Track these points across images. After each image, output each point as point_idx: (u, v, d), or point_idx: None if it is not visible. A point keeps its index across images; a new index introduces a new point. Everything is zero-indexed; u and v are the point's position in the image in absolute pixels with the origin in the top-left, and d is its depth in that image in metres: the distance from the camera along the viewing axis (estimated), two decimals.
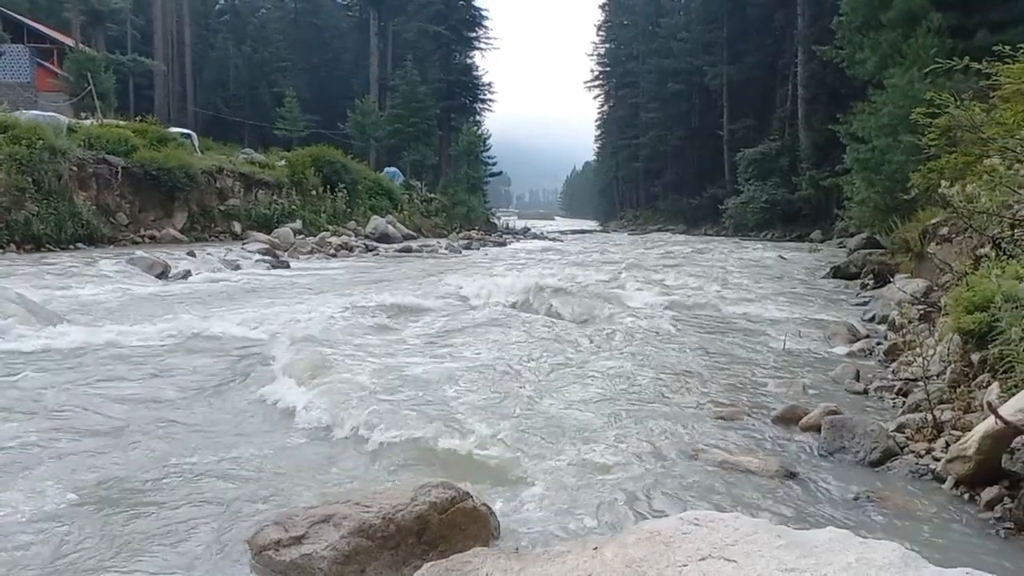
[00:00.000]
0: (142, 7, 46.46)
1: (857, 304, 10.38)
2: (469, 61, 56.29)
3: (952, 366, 4.79)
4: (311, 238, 21.47)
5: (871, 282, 12.16)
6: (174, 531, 3.00)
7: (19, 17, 36.40)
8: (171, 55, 46.65)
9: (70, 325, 7.13)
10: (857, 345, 6.99)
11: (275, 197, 24.51)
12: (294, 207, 24.68)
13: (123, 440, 4.07)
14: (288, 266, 15.32)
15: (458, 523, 2.84)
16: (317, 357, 5.87)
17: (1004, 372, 3.99)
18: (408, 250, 22.21)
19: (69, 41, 35.40)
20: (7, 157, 15.41)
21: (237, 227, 22.16)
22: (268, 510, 3.15)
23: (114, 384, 5.26)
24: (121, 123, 23.60)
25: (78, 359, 5.98)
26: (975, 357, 4.56)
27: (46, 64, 36.15)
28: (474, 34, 55.81)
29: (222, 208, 22.32)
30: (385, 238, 25.00)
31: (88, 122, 22.35)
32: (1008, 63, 6.15)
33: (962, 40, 16.82)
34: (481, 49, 56.96)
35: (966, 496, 3.42)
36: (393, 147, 45.63)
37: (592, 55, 75.37)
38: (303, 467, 3.77)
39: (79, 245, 16.31)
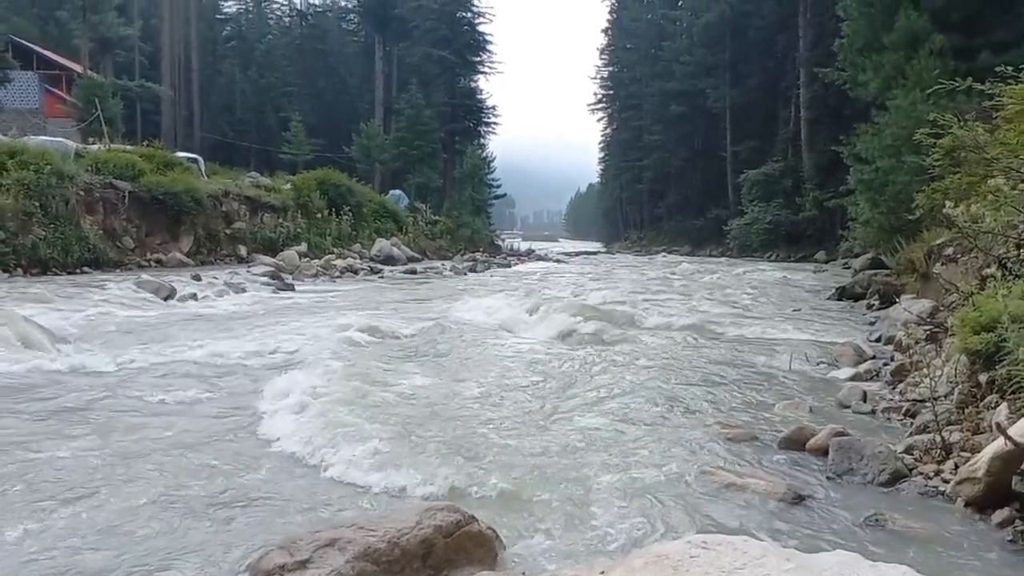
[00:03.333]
0: (150, 34, 47.06)
1: (863, 325, 10.35)
2: (473, 85, 56.64)
3: (960, 387, 4.76)
4: (316, 261, 21.53)
5: (877, 302, 12.12)
6: (174, 556, 2.99)
7: (29, 44, 36.86)
8: (178, 81, 47.12)
9: (77, 348, 7.15)
10: (864, 366, 6.95)
11: (281, 220, 24.62)
12: (299, 230, 24.77)
13: (121, 464, 4.06)
14: (293, 289, 15.34)
15: (463, 547, 2.82)
16: (321, 381, 5.87)
17: (1013, 393, 3.96)
18: (413, 272, 22.24)
19: (78, 67, 35.80)
20: (15, 182, 15.53)
21: (243, 250, 22.24)
22: (270, 535, 3.13)
23: (118, 406, 5.26)
24: (128, 148, 23.80)
25: (84, 382, 5.98)
26: (983, 378, 4.53)
27: (54, 90, 36.56)
28: (478, 58, 56.20)
29: (228, 231, 22.43)
30: (390, 260, 25.06)
31: (96, 147, 22.54)
32: (1011, 83, 6.17)
33: (964, 61, 16.89)
34: (485, 73, 57.39)
35: (976, 518, 3.39)
36: (398, 170, 45.86)
37: (595, 78, 75.96)
38: (306, 492, 3.76)
39: (85, 269, 16.38)
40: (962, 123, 6.22)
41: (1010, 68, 6.25)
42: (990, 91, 6.33)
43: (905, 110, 16.82)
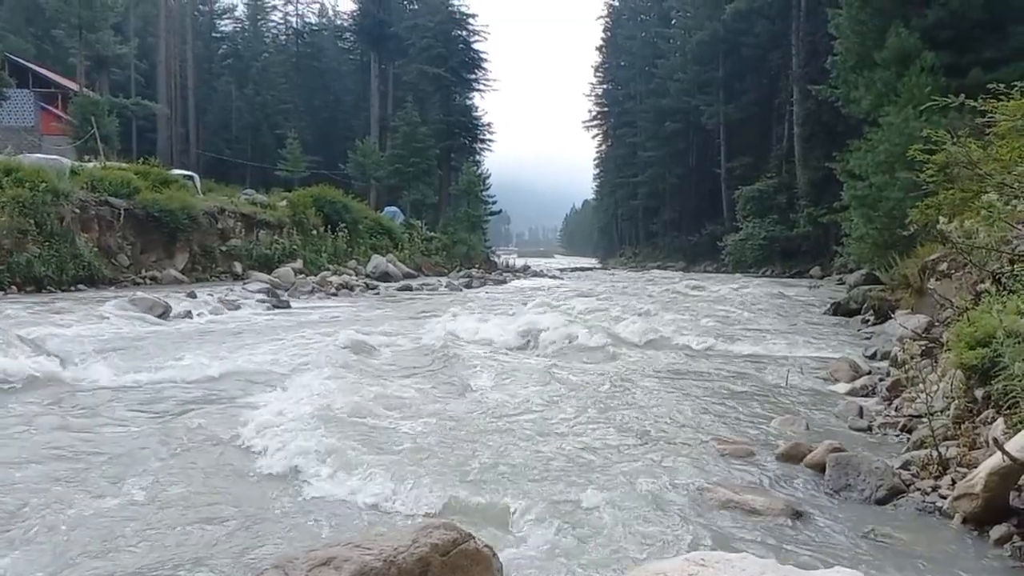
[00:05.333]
0: (146, 52, 47.25)
1: (858, 340, 10.35)
2: (469, 102, 56.91)
3: (956, 402, 4.76)
4: (312, 277, 21.50)
5: (872, 318, 12.14)
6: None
7: (25, 62, 36.99)
8: (174, 98, 47.29)
9: (69, 367, 7.10)
10: (860, 381, 6.95)
11: (276, 237, 24.63)
12: (295, 247, 24.78)
13: (110, 482, 4.03)
14: (289, 306, 15.30)
15: (461, 565, 2.79)
16: (315, 398, 5.85)
17: (1008, 408, 3.97)
18: (408, 289, 22.22)
19: (73, 86, 35.90)
20: (10, 200, 15.53)
21: (238, 267, 22.22)
22: (264, 555, 3.11)
23: (110, 424, 5.23)
24: (124, 165, 23.82)
25: (76, 401, 5.95)
26: (979, 393, 4.54)
27: (50, 108, 36.65)
28: (473, 76, 56.51)
29: (223, 248, 22.41)
30: (386, 277, 25.05)
31: (91, 165, 22.56)
32: (1003, 100, 6.22)
33: (956, 79, 17.02)
34: (480, 90, 57.69)
35: (975, 534, 3.38)
36: (393, 187, 45.99)
37: (590, 96, 76.37)
38: (301, 510, 3.73)
39: (80, 286, 16.34)
40: (955, 139, 6.26)
41: (1002, 85, 6.31)
42: (982, 108, 6.38)
43: (898, 127, 16.94)
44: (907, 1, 21.03)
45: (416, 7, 58.76)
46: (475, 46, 56.20)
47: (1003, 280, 5.77)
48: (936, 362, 6.06)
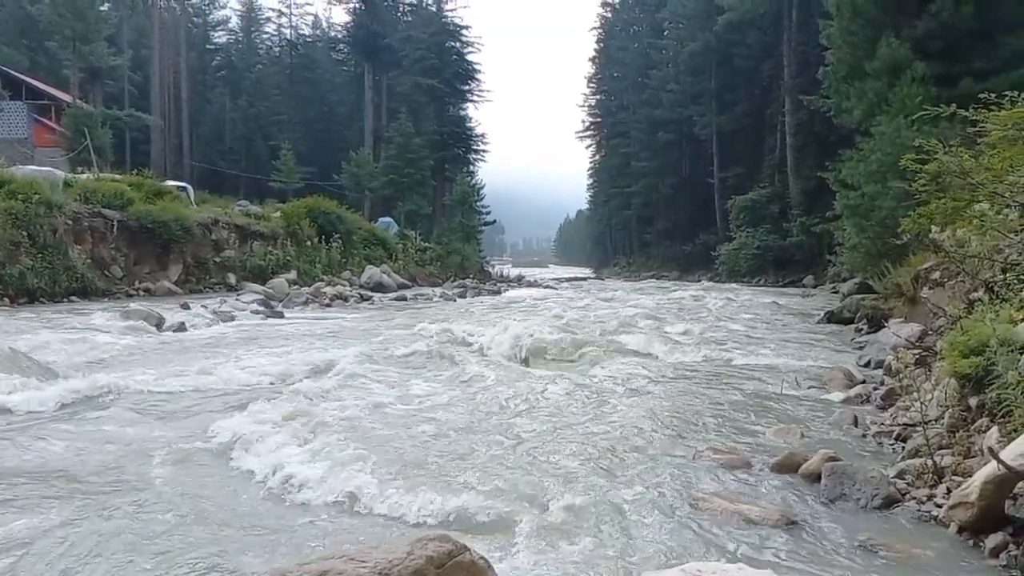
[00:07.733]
0: (140, 64, 47.30)
1: (853, 349, 10.37)
2: (463, 113, 57.18)
3: (950, 410, 4.76)
4: (306, 288, 21.46)
5: (865, 327, 12.16)
6: None
7: (18, 75, 36.97)
8: (168, 110, 47.33)
9: (62, 380, 7.07)
10: (854, 390, 6.96)
11: (270, 248, 24.60)
12: (289, 258, 24.76)
13: (100, 494, 4.00)
14: (283, 316, 15.27)
15: None
16: (307, 407, 5.83)
17: (1003, 416, 3.97)
18: (403, 299, 22.20)
19: (67, 97, 35.90)
20: (3, 211, 15.49)
21: (232, 278, 22.18)
22: (257, 568, 3.09)
23: (98, 436, 5.20)
24: (117, 177, 23.80)
25: (67, 411, 5.92)
26: (973, 401, 4.54)
27: (43, 120, 36.62)
28: (467, 87, 56.76)
29: (217, 260, 22.38)
30: (380, 287, 25.02)
31: (84, 176, 22.54)
32: (994, 110, 6.25)
33: (946, 88, 17.12)
34: (474, 101, 58.02)
35: (970, 543, 3.38)
36: (388, 197, 46.03)
37: (583, 106, 76.61)
38: (294, 522, 3.71)
39: (73, 299, 16.29)
40: (947, 149, 6.30)
41: (992, 95, 6.34)
42: (973, 117, 6.41)
43: (889, 136, 17.02)
44: (898, 11, 21.20)
45: (410, 19, 59.05)
46: (469, 57, 56.55)
47: (996, 289, 5.79)
48: (930, 371, 6.07)
